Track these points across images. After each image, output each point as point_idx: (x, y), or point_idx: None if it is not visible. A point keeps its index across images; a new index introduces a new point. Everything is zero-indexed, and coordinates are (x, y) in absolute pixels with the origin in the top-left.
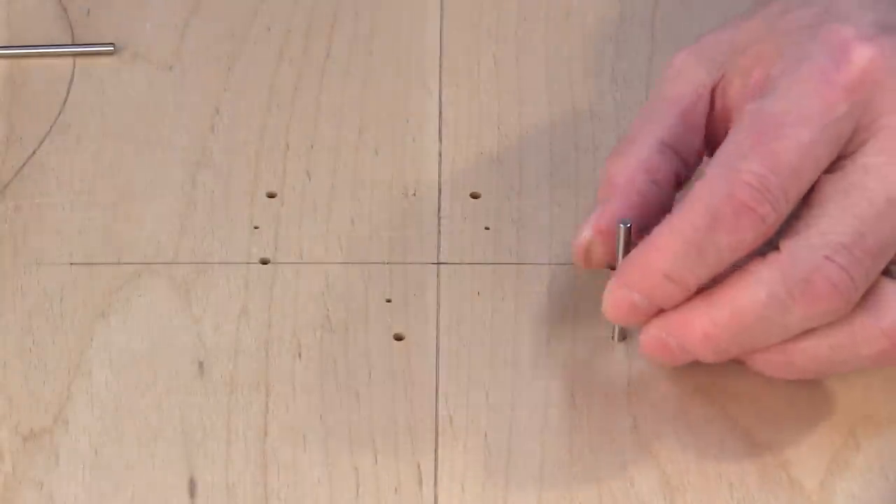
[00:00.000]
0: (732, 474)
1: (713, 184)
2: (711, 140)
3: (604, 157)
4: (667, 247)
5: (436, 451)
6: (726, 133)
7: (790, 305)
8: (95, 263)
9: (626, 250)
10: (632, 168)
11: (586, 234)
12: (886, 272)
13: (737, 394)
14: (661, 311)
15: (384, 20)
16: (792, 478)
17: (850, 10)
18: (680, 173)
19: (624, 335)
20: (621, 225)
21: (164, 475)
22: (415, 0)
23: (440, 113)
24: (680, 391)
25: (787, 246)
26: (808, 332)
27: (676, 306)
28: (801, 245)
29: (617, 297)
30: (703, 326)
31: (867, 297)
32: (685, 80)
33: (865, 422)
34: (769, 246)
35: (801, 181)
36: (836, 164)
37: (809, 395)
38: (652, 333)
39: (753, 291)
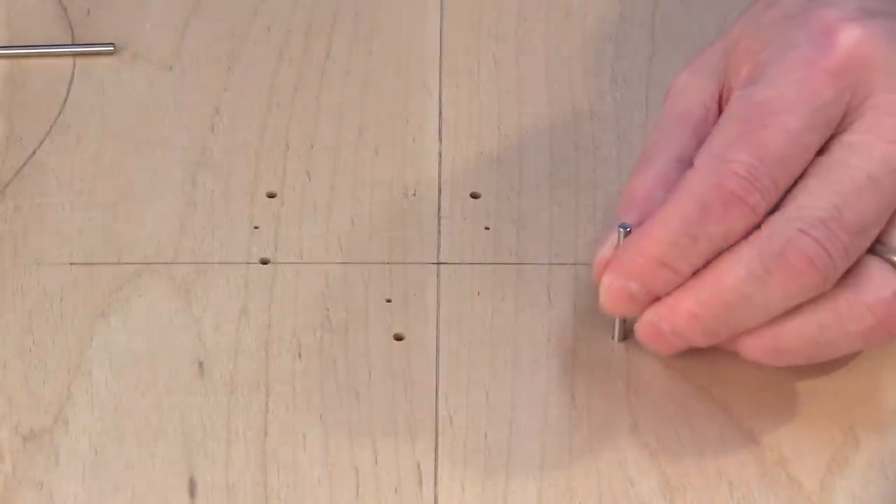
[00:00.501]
0: (732, 473)
1: (702, 174)
2: None
3: (604, 157)
4: (660, 236)
5: (436, 451)
6: None
7: (767, 280)
8: (95, 263)
9: None
10: (650, 184)
11: (606, 251)
12: (872, 250)
13: (736, 393)
14: (656, 300)
15: (384, 20)
16: (792, 476)
17: None
18: None
19: (624, 335)
20: (620, 228)
21: (164, 475)
22: (415, 0)
23: (440, 113)
24: (680, 391)
25: (767, 221)
26: (793, 312)
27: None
28: (779, 219)
29: (614, 287)
30: (689, 307)
31: (851, 274)
32: (690, 94)
33: (865, 420)
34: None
35: (790, 168)
36: (825, 145)
37: (809, 394)
38: (646, 319)
39: (734, 270)
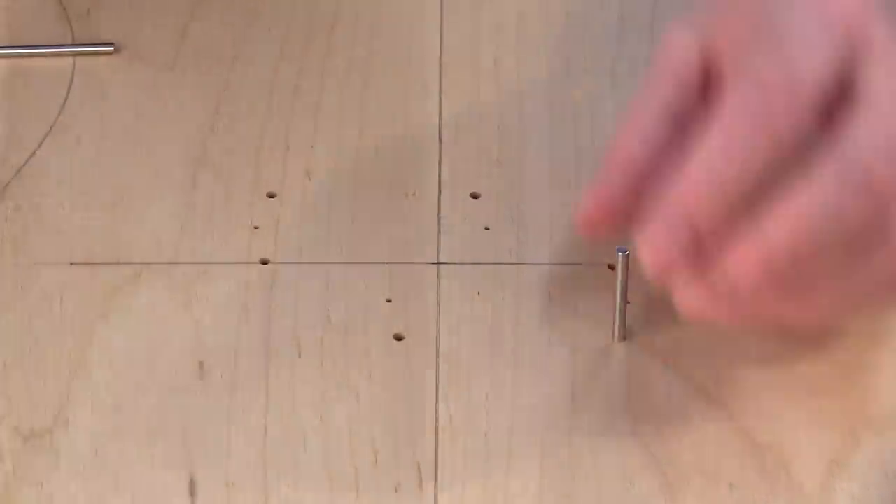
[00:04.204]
0: (732, 474)
1: (741, 92)
2: (709, 95)
3: (604, 157)
4: (708, 161)
5: (436, 451)
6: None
7: (843, 210)
8: (95, 263)
9: (625, 277)
10: (636, 143)
11: (587, 206)
12: None
13: (737, 394)
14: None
15: (384, 20)
16: (792, 478)
17: None
18: (682, 136)
19: (624, 335)
20: (619, 253)
21: (164, 475)
22: (415, 0)
23: (440, 113)
24: (680, 391)
25: (834, 150)
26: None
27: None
28: (848, 147)
29: (659, 238)
30: (758, 251)
31: None
32: (675, 45)
33: (866, 421)
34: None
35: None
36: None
37: (809, 395)
38: (695, 289)
39: (806, 203)
